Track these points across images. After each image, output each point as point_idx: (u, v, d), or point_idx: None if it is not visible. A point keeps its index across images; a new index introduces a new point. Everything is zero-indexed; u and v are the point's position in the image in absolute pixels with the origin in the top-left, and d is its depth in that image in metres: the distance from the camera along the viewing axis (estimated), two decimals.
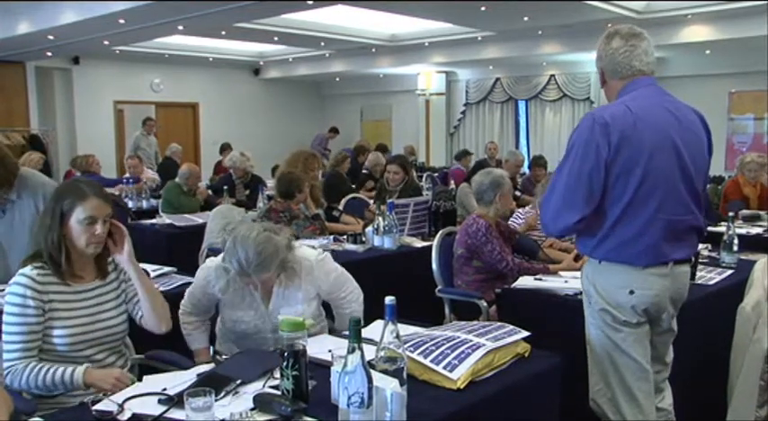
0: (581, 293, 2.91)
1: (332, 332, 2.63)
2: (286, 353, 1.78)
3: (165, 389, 1.88)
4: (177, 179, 6.57)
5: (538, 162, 7.87)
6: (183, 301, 2.66)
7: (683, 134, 2.34)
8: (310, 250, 2.65)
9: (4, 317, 2.13)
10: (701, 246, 3.83)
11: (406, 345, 1.92)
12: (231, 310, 2.54)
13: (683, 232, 2.39)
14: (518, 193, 6.91)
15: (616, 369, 2.41)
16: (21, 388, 2.10)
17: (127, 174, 8.13)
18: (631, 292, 2.33)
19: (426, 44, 11.64)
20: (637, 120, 2.26)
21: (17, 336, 2.11)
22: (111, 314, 2.30)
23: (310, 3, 7.91)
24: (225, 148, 11.10)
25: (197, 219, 5.57)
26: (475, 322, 2.43)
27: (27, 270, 2.17)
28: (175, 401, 1.77)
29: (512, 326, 2.26)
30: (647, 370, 2.42)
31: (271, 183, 6.29)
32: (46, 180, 3.17)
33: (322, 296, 2.62)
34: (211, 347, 2.70)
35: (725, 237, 3.58)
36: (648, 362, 2.43)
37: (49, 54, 11.43)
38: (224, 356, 2.46)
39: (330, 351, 1.96)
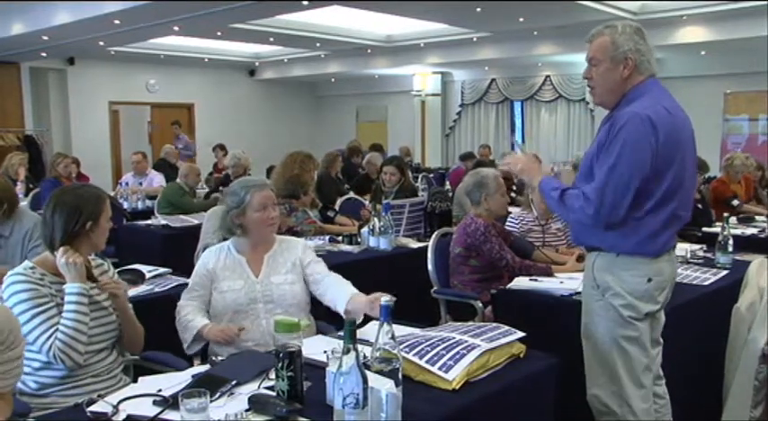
0: (577, 294, 2.92)
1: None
2: (281, 354, 1.78)
3: (160, 391, 1.87)
4: (178, 179, 6.57)
5: None
6: (179, 302, 2.67)
7: (690, 135, 2.46)
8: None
9: (19, 312, 2.11)
10: (696, 246, 3.90)
11: (401, 346, 1.92)
12: (223, 282, 2.64)
13: (681, 226, 2.52)
14: (513, 195, 6.89)
15: (626, 360, 2.44)
16: (76, 350, 2.12)
17: (129, 174, 8.10)
18: (649, 280, 2.42)
19: (422, 45, 11.64)
20: (674, 121, 2.36)
21: (39, 318, 2.11)
22: (106, 312, 2.30)
23: (306, 3, 7.91)
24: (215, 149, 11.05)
25: (192, 219, 5.55)
26: (470, 323, 2.43)
27: (20, 268, 2.20)
28: (170, 402, 1.77)
29: (507, 327, 2.26)
30: (652, 359, 2.51)
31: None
32: (34, 214, 3.12)
33: (306, 273, 2.73)
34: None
35: (720, 238, 3.58)
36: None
37: (44, 54, 11.42)
38: (219, 357, 2.46)
39: (325, 352, 1.96)
